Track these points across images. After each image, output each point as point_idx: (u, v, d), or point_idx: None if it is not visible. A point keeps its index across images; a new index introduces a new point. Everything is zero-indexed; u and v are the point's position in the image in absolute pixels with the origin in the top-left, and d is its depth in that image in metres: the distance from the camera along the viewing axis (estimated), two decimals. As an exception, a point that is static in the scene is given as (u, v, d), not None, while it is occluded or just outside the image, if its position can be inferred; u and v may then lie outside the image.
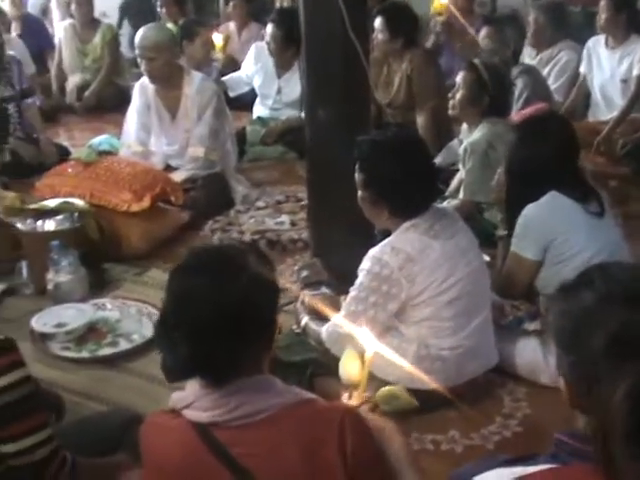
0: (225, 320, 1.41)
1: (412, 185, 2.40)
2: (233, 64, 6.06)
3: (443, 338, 2.41)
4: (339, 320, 2.45)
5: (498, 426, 2.45)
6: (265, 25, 5.43)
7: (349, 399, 1.67)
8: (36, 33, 6.35)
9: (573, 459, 1.16)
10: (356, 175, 2.48)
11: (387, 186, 2.40)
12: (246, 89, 5.55)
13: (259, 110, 5.34)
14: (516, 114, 4.07)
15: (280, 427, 1.41)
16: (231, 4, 6.60)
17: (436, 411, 2.47)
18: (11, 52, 4.53)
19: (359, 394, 1.65)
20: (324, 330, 2.50)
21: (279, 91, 5.24)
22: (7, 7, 6.05)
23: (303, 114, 3.45)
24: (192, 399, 1.44)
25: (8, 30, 5.32)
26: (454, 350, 2.41)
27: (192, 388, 1.46)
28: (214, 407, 1.42)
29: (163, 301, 1.48)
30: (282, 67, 5.19)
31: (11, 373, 1.69)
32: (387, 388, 2.37)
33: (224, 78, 5.61)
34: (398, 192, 2.39)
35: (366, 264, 2.40)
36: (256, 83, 5.36)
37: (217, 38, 5.95)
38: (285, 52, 5.08)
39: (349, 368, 1.81)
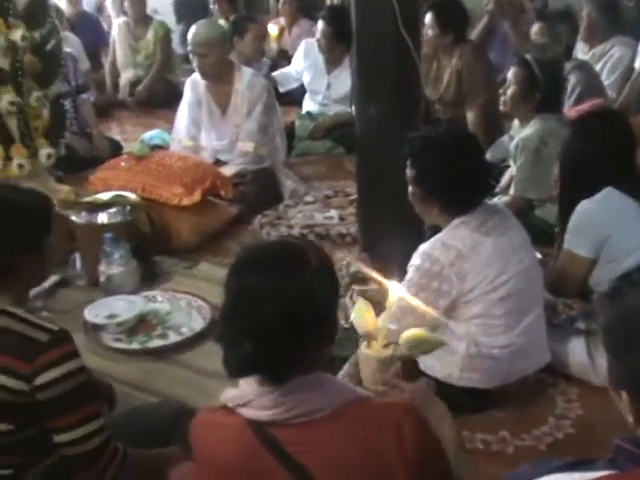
0: (286, 318, 1.38)
1: (464, 182, 2.37)
2: (285, 56, 6.10)
3: (494, 336, 2.38)
4: (388, 316, 2.43)
5: (550, 427, 2.41)
6: (315, 21, 5.45)
7: (368, 348, 1.65)
8: (91, 30, 6.45)
9: (631, 465, 1.14)
10: (407, 171, 2.47)
11: (438, 183, 2.38)
12: (295, 85, 5.58)
13: (308, 105, 5.36)
14: (570, 110, 4.01)
15: (338, 425, 1.40)
16: (281, 1, 6.63)
17: (486, 410, 2.44)
18: (67, 49, 4.61)
19: (379, 342, 1.64)
20: (373, 326, 2.49)
21: (328, 87, 5.25)
22: (64, 5, 6.16)
23: (352, 109, 3.46)
24: (250, 398, 1.43)
25: (66, 28, 5.41)
26: (505, 349, 2.38)
27: (249, 386, 1.45)
28: (274, 406, 1.40)
29: (223, 298, 1.45)
30: (332, 63, 5.20)
31: (65, 364, 1.72)
32: (411, 332, 2.31)
33: (274, 74, 5.65)
34: (449, 189, 2.37)
35: (416, 260, 2.39)
36: (305, 79, 5.38)
37: (272, 29, 6.00)
38: (335, 48, 5.09)
39: (363, 318, 1.80)
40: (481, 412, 2.43)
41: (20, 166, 3.46)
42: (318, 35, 5.15)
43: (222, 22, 5.62)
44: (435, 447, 1.46)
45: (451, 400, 2.24)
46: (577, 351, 2.58)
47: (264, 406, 1.41)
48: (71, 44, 5.19)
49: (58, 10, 5.23)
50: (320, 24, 5.12)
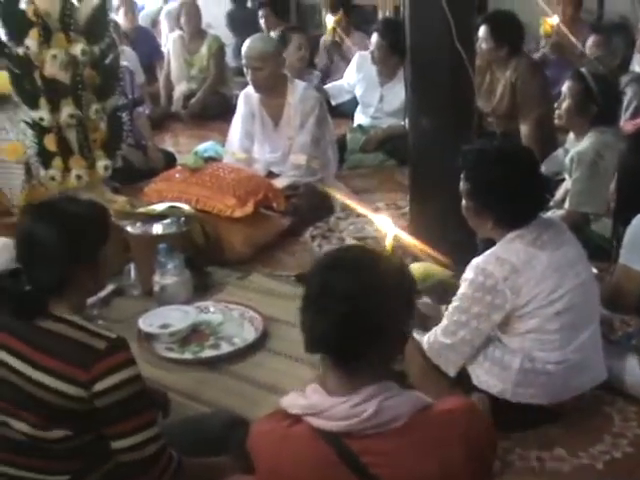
0: (358, 317, 1.42)
1: (519, 195, 2.35)
2: (339, 48, 6.24)
3: (549, 351, 2.35)
4: (441, 330, 2.42)
5: (607, 445, 2.36)
6: (368, 35, 5.47)
7: None
8: (146, 44, 6.57)
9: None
10: (461, 184, 2.45)
11: (493, 196, 2.37)
12: (348, 98, 5.60)
13: (360, 118, 5.37)
14: (626, 123, 3.95)
15: (409, 436, 1.41)
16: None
17: (540, 427, 2.40)
18: (124, 63, 4.70)
19: None
20: (425, 340, 2.48)
21: (381, 100, 5.26)
22: (121, 20, 6.29)
23: (406, 122, 3.46)
24: (322, 408, 1.44)
25: (123, 42, 5.53)
26: (560, 364, 2.34)
27: (319, 396, 1.46)
28: (349, 416, 1.41)
29: (305, 284, 1.52)
30: (385, 76, 5.21)
31: (123, 371, 1.75)
32: (418, 265, 2.29)
33: (326, 86, 5.70)
34: (504, 202, 2.35)
35: (469, 274, 2.37)
36: (358, 92, 5.40)
37: (329, 20, 6.05)
38: (389, 61, 5.11)
39: None
40: (535, 428, 2.40)
41: (78, 177, 3.54)
42: (372, 47, 5.17)
43: (273, 35, 5.68)
44: (493, 441, 1.52)
45: (505, 416, 2.23)
46: (634, 369, 2.52)
47: (339, 416, 1.42)
48: (128, 58, 5.28)
49: (116, 25, 5.35)
50: (374, 37, 5.14)
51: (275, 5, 6.75)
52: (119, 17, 6.28)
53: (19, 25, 3.36)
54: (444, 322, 2.43)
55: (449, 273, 2.31)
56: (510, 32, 4.54)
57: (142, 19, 7.28)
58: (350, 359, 1.45)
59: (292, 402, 1.49)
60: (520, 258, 2.33)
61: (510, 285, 2.32)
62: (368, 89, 5.31)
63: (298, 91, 4.33)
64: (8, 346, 1.81)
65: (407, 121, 3.32)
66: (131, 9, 6.56)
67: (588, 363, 2.41)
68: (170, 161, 5.01)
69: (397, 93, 4.98)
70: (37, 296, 1.82)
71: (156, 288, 3.23)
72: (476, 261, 2.38)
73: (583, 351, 2.38)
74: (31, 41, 3.34)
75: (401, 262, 1.59)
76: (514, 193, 2.36)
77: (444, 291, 2.61)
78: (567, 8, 5.55)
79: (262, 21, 6.69)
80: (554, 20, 4.99)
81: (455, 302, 2.41)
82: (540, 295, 2.32)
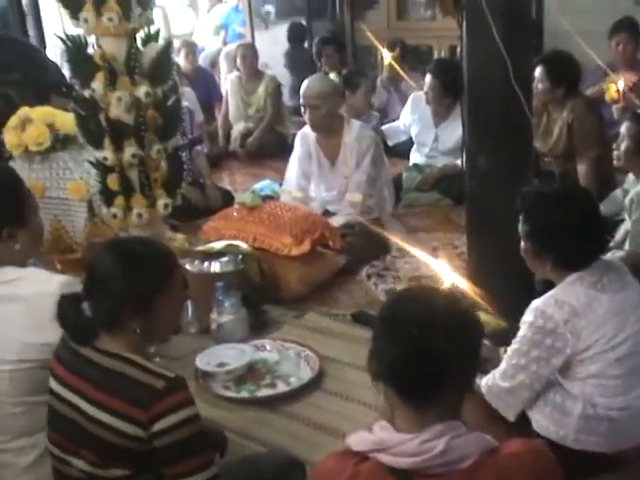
0: (433, 344, 1.44)
1: (579, 238, 2.33)
2: (395, 82, 6.34)
3: (611, 397, 2.29)
4: (500, 373, 2.39)
5: (672, 498, 2.30)
6: (422, 75, 5.52)
7: None
8: (205, 85, 6.73)
9: None
10: (520, 226, 2.44)
11: (553, 239, 2.35)
12: (404, 138, 5.64)
13: (415, 157, 5.39)
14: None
15: (478, 477, 1.41)
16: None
17: (600, 476, 2.34)
18: (185, 103, 4.81)
19: None
20: (483, 383, 2.45)
21: (436, 139, 5.28)
22: (182, 61, 6.46)
23: (459, 162, 3.45)
24: (391, 444, 1.44)
25: (183, 83, 5.67)
26: (623, 411, 2.28)
27: (388, 432, 1.46)
28: (418, 452, 1.41)
29: (379, 314, 1.56)
30: (440, 116, 5.24)
31: (182, 411, 1.75)
32: None
33: (383, 127, 5.76)
34: (564, 245, 2.33)
35: (529, 317, 2.34)
36: (413, 132, 5.44)
37: (386, 55, 6.20)
38: (442, 101, 5.14)
39: None
40: (595, 478, 2.33)
41: (139, 215, 3.60)
42: (426, 88, 5.21)
43: (333, 76, 5.75)
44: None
45: (565, 464, 2.18)
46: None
47: (408, 453, 1.42)
48: (187, 98, 5.40)
49: (177, 67, 5.49)
50: (428, 77, 5.18)
51: (338, 44, 6.84)
52: (180, 59, 6.45)
53: (86, 69, 3.46)
54: (503, 365, 2.39)
55: (502, 324, 2.29)
56: (567, 73, 4.53)
57: (202, 60, 7.46)
58: (418, 393, 1.45)
59: (359, 439, 1.49)
60: (580, 301, 2.30)
61: (571, 328, 2.28)
62: (423, 129, 5.34)
63: (354, 130, 4.38)
64: (68, 383, 1.84)
65: (463, 160, 3.32)
66: (192, 51, 6.74)
67: (652, 410, 2.35)
68: (228, 199, 5.08)
69: (451, 132, 5.00)
70: (91, 324, 1.83)
71: (213, 326, 3.26)
72: (535, 303, 2.36)
73: (647, 397, 2.32)
74: (97, 84, 3.44)
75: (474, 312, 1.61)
76: (574, 235, 2.33)
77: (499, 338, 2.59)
78: (626, 48, 5.50)
79: (324, 60, 6.72)
80: (620, 85, 4.91)
81: (514, 345, 2.38)
82: (601, 340, 2.27)
